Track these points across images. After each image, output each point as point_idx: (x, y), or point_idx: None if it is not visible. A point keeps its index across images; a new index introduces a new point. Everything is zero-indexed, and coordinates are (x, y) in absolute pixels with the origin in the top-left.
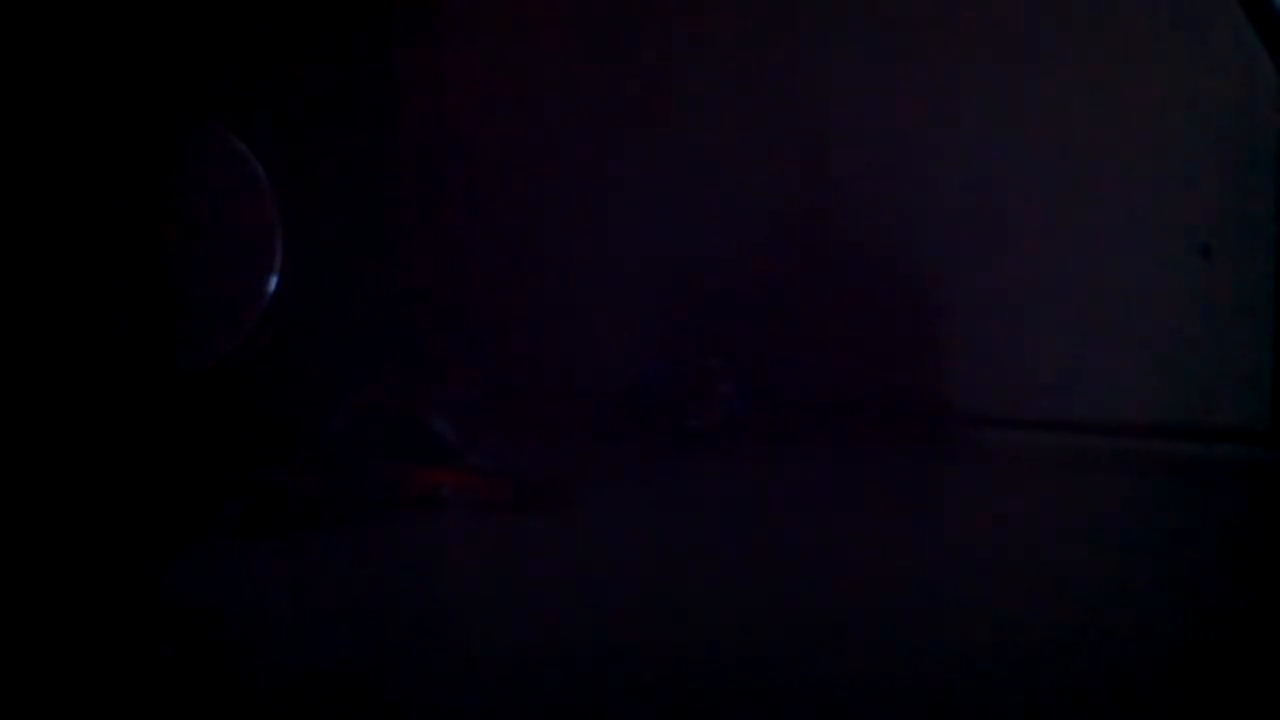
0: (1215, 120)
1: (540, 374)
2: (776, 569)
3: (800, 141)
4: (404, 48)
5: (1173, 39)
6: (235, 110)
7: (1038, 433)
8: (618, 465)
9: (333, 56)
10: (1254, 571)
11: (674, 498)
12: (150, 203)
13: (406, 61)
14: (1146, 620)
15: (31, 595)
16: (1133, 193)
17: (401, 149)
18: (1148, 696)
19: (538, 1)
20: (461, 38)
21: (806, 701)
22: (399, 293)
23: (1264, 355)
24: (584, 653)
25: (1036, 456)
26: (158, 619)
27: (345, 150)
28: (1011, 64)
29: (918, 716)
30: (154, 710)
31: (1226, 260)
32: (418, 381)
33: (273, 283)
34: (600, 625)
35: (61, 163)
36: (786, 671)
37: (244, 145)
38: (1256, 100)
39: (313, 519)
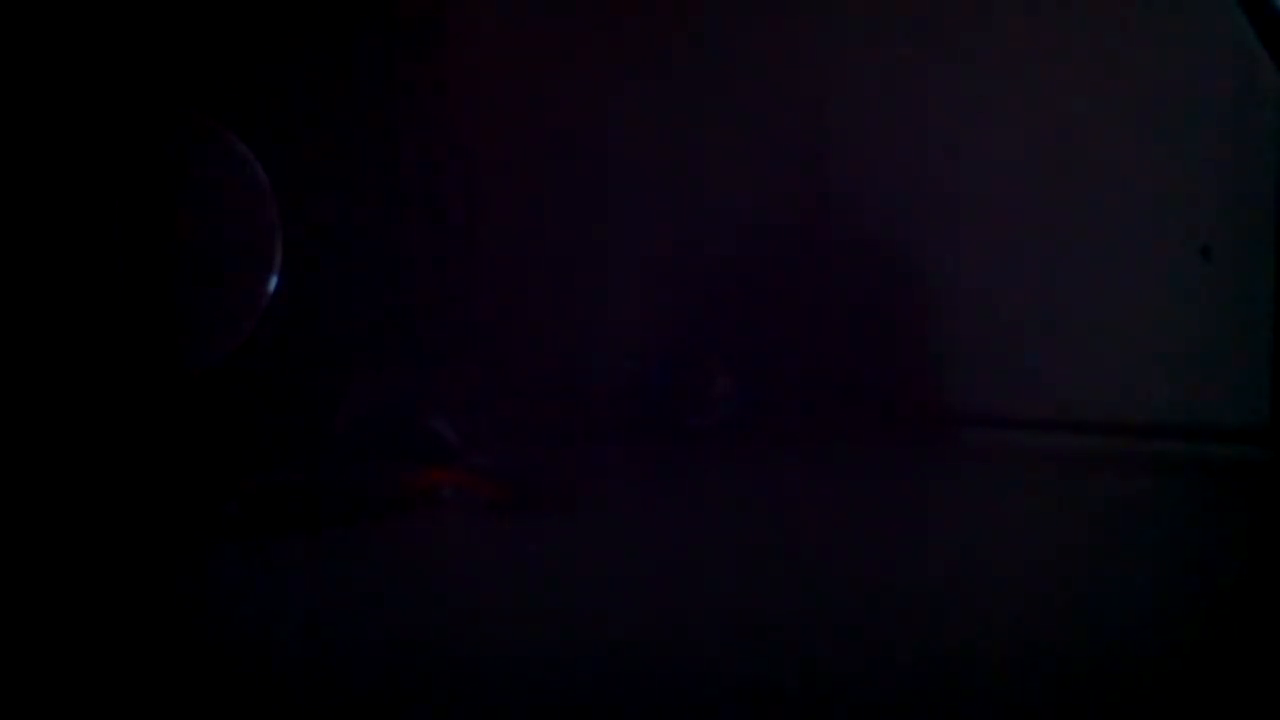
0: (1215, 120)
1: (540, 374)
2: (777, 569)
3: (800, 141)
4: (407, 50)
5: (1172, 39)
6: (237, 112)
7: (1038, 433)
8: (618, 465)
9: (335, 59)
10: (1254, 571)
11: (674, 498)
12: (150, 203)
13: (409, 64)
14: (1146, 620)
15: (29, 596)
16: (1133, 193)
17: (403, 151)
18: (1147, 697)
19: (539, 5)
20: (464, 41)
21: (808, 702)
22: (399, 294)
23: (1264, 355)
24: (585, 652)
25: (1036, 456)
26: (156, 620)
27: (347, 152)
28: (1010, 63)
29: (918, 717)
30: (153, 709)
31: (1226, 260)
32: (418, 381)
33: (273, 283)
34: (602, 625)
35: (61, 163)
36: (788, 672)
37: (245, 146)
38: (1257, 100)
39: (313, 519)
